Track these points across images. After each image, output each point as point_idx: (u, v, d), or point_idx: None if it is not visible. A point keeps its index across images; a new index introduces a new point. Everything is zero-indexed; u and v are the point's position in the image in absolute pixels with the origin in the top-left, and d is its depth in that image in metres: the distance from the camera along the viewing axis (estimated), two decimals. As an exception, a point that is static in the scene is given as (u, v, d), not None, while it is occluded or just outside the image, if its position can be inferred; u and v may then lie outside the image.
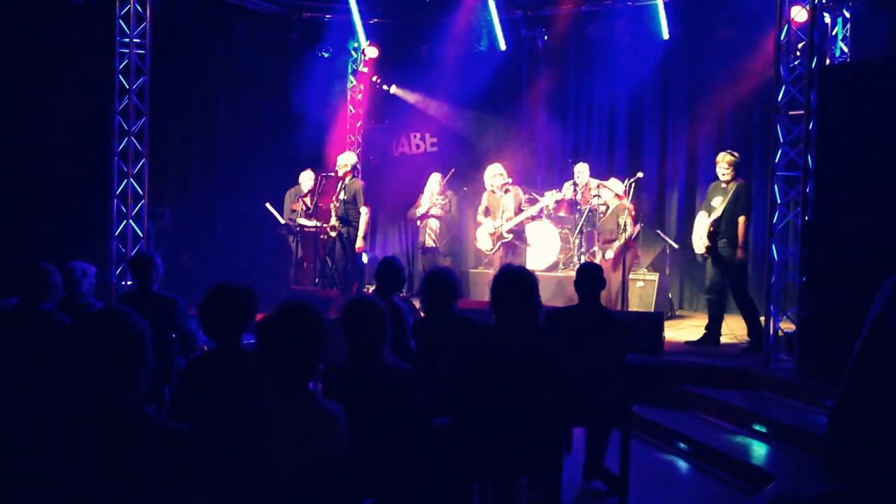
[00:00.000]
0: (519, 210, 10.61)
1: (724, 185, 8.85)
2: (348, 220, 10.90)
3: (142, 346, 2.64)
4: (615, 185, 10.38)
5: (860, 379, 1.72)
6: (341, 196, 10.86)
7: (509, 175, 10.82)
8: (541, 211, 10.93)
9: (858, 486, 1.64)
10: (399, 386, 4.02)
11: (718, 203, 8.78)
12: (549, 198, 10.73)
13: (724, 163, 8.85)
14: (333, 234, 10.90)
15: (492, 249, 10.81)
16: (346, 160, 11.08)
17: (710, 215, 8.84)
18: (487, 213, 10.81)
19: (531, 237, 11.15)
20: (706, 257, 8.93)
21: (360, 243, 10.88)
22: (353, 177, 11.11)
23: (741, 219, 8.68)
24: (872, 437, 1.63)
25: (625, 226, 9.86)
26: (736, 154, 8.96)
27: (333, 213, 10.87)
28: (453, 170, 12.26)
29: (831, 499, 1.60)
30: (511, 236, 10.47)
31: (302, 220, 11.61)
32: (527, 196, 11.23)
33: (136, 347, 2.62)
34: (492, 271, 11.53)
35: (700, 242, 8.90)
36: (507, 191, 10.57)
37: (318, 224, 11.20)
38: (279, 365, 3.06)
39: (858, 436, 1.66)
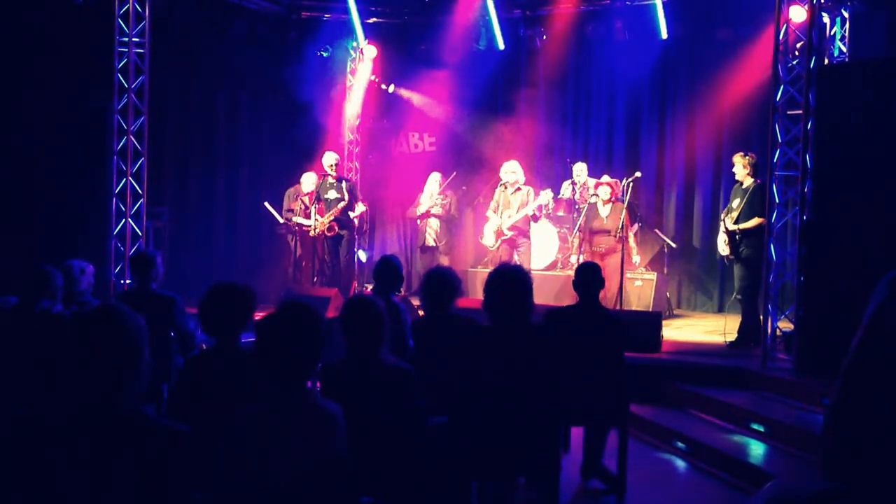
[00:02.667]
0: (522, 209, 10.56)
1: (743, 187, 8.87)
2: (344, 219, 10.91)
3: (139, 344, 2.63)
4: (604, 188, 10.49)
5: (858, 376, 1.73)
6: (331, 195, 10.88)
7: (513, 173, 10.73)
8: (540, 208, 10.86)
9: (856, 482, 1.65)
10: (397, 385, 4.03)
11: (737, 205, 8.80)
12: (544, 196, 10.68)
13: (738, 164, 8.89)
14: (330, 234, 10.91)
15: (494, 246, 10.78)
16: (330, 160, 11.14)
17: (727, 219, 8.87)
18: (498, 208, 10.74)
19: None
20: (731, 259, 8.93)
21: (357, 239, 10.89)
22: (345, 175, 11.18)
23: (755, 221, 8.63)
24: (870, 434, 1.64)
25: (623, 224, 9.88)
26: (749, 155, 8.96)
27: (330, 214, 10.86)
28: (455, 173, 12.28)
29: (828, 497, 1.60)
30: (512, 233, 10.45)
31: (298, 220, 11.63)
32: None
33: (132, 344, 2.61)
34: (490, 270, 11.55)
35: (722, 245, 8.90)
36: (518, 189, 10.54)
37: (312, 223, 11.22)
38: (277, 364, 3.06)
39: (856, 432, 1.67)
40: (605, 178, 10.88)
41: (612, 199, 10.46)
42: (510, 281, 4.53)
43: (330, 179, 11.02)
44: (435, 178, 11.93)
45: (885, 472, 1.59)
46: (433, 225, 11.76)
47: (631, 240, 10.33)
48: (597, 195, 10.72)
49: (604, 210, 10.51)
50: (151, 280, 6.33)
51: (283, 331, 3.10)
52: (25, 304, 5.40)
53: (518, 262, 10.16)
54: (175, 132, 12.92)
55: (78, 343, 2.59)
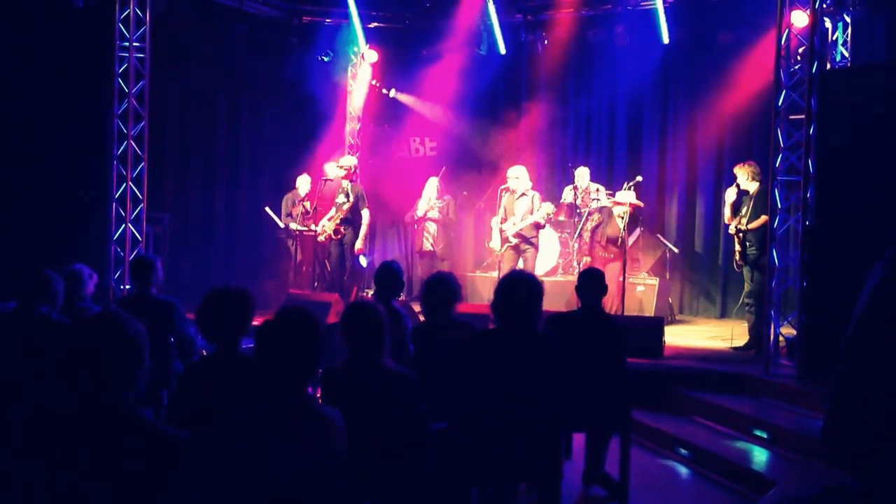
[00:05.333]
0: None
1: (749, 194, 8.88)
2: (350, 223, 10.89)
3: (138, 348, 2.65)
4: (626, 196, 10.36)
5: (859, 350, 1.73)
6: (340, 199, 10.85)
7: (516, 179, 10.59)
8: (548, 218, 10.68)
9: (857, 458, 1.64)
10: (398, 390, 4.01)
11: (745, 211, 8.81)
12: (545, 209, 10.55)
13: (740, 174, 8.95)
14: (337, 237, 10.86)
15: (500, 251, 10.70)
16: (348, 162, 11.10)
17: (735, 224, 8.88)
18: (503, 213, 10.65)
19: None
20: (741, 265, 8.93)
21: (359, 244, 10.88)
22: (354, 179, 11.14)
23: (761, 220, 8.64)
24: (873, 414, 1.63)
25: (625, 229, 9.87)
26: (748, 163, 9.00)
27: (337, 218, 10.82)
28: (444, 168, 12.28)
29: (833, 493, 1.60)
30: (517, 241, 10.40)
31: (294, 225, 11.61)
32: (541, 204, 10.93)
33: (132, 350, 2.63)
34: (491, 275, 11.53)
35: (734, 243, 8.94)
36: (523, 195, 10.46)
37: (318, 229, 11.17)
38: (277, 369, 3.06)
39: (859, 412, 1.66)
40: (631, 198, 10.57)
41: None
42: (524, 288, 4.52)
43: (344, 182, 10.96)
44: (433, 183, 11.92)
45: (887, 448, 1.58)
46: (430, 229, 11.75)
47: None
48: (598, 199, 10.66)
49: (620, 221, 10.41)
50: (151, 285, 6.30)
51: (282, 336, 3.10)
52: (25, 308, 5.37)
53: (523, 268, 10.12)
54: (175, 137, 12.91)
55: (78, 348, 2.60)
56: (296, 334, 3.09)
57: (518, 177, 10.47)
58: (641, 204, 10.67)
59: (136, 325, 2.68)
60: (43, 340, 5.08)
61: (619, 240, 10.13)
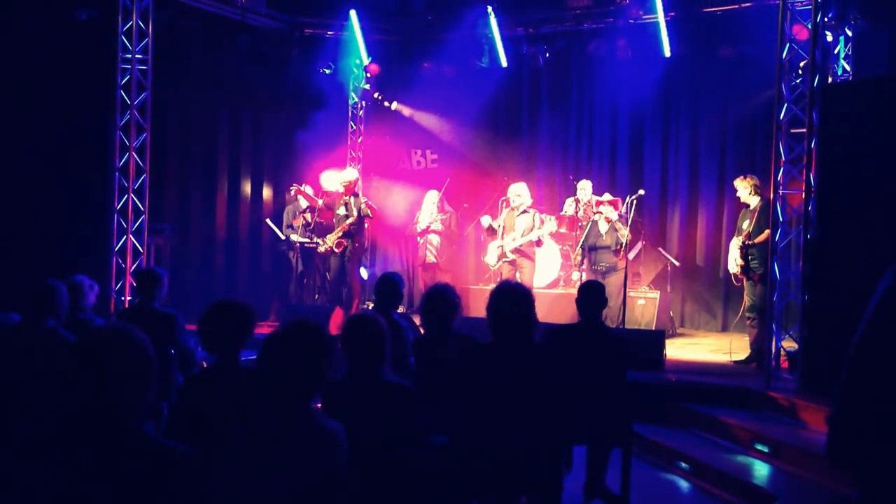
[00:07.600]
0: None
1: (751, 208, 8.88)
2: (352, 235, 10.88)
3: (148, 366, 2.62)
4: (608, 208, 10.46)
5: (865, 356, 1.72)
6: (341, 211, 10.84)
7: (518, 196, 10.62)
8: (539, 240, 10.66)
9: (861, 471, 1.64)
10: (398, 403, 3.99)
11: (747, 225, 8.81)
12: (548, 226, 10.55)
13: (741, 188, 8.95)
14: (339, 249, 10.84)
15: (495, 265, 10.72)
16: (349, 176, 11.10)
17: (743, 239, 8.88)
18: (504, 229, 10.66)
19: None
20: (741, 279, 8.92)
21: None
22: (356, 193, 11.14)
23: (765, 234, 8.64)
24: (876, 424, 1.62)
25: (625, 243, 9.86)
26: (749, 176, 9.01)
27: (339, 231, 10.80)
28: (448, 179, 12.27)
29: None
30: (514, 256, 10.40)
31: (295, 237, 11.61)
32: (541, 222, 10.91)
33: (142, 367, 2.61)
34: (491, 287, 11.50)
35: (733, 264, 8.90)
36: (524, 212, 10.48)
37: (319, 241, 11.16)
38: (282, 382, 3.05)
39: (862, 422, 1.65)
40: (607, 197, 10.86)
41: (616, 216, 10.43)
42: (512, 298, 4.51)
43: (346, 197, 10.96)
44: (433, 196, 11.92)
45: (891, 460, 1.57)
46: (433, 241, 11.74)
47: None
48: (600, 213, 10.66)
49: (603, 227, 10.47)
50: (154, 298, 6.31)
51: (289, 347, 3.09)
52: (30, 321, 5.34)
53: (519, 281, 10.11)
54: (177, 148, 12.93)
55: (88, 363, 2.57)
56: (303, 345, 3.09)
57: (520, 194, 10.52)
58: (616, 200, 10.70)
59: (146, 342, 2.65)
60: (50, 354, 5.06)
61: (617, 248, 10.13)
